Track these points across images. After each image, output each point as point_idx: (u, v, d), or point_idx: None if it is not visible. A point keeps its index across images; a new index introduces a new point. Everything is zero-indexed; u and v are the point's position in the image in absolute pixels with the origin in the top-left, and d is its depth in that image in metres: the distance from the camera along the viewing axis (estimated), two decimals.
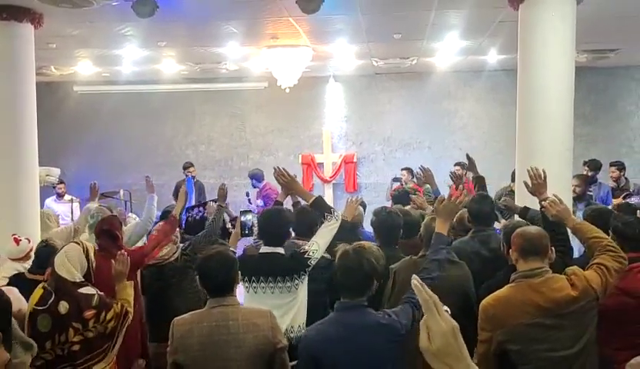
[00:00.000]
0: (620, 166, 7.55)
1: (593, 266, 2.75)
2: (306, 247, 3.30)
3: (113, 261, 3.30)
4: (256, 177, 8.33)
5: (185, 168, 9.03)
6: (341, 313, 2.46)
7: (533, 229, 2.82)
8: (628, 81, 9.87)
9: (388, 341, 2.41)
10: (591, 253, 2.90)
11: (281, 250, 3.35)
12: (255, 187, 8.35)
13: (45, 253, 3.82)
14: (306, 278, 3.29)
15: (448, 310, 1.20)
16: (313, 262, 3.27)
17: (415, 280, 1.19)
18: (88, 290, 3.05)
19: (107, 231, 3.95)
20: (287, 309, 3.18)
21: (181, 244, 4.36)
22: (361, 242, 2.61)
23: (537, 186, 3.40)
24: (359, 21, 6.55)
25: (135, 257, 4.01)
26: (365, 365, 2.39)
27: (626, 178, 7.64)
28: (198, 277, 2.69)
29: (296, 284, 3.23)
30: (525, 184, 3.53)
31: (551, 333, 2.60)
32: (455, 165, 8.79)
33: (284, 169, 3.73)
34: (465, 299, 3.35)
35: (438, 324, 1.16)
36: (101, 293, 3.11)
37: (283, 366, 2.62)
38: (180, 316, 2.70)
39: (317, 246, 3.30)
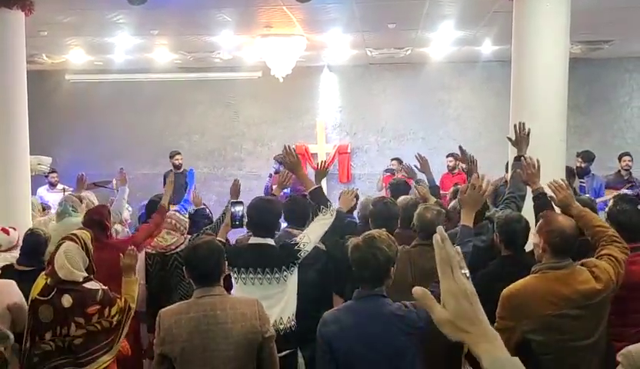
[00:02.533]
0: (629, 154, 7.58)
1: (604, 257, 2.74)
2: (297, 239, 3.29)
3: (121, 255, 3.31)
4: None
5: (171, 156, 8.92)
6: (357, 301, 2.47)
7: (568, 225, 2.71)
8: (622, 73, 9.87)
9: (402, 333, 2.41)
10: (594, 242, 2.89)
11: (270, 241, 3.33)
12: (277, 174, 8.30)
13: (31, 242, 3.79)
14: (296, 270, 3.27)
15: (468, 273, 1.09)
16: (303, 254, 3.25)
17: (438, 234, 1.09)
18: (92, 285, 3.02)
19: (97, 222, 3.94)
20: (276, 300, 3.17)
21: (189, 236, 4.33)
22: (370, 232, 2.61)
23: (530, 175, 3.43)
24: (353, 9, 6.51)
25: (125, 247, 4.00)
26: (379, 355, 2.40)
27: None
28: (184, 267, 2.66)
29: (285, 276, 3.21)
30: (519, 173, 3.57)
31: (575, 323, 2.62)
32: (448, 156, 8.83)
33: (293, 149, 3.61)
34: None
35: (450, 285, 1.07)
36: (105, 287, 3.09)
37: (271, 355, 2.62)
38: (167, 307, 2.68)
39: (308, 239, 3.28)
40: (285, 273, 3.21)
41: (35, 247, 3.80)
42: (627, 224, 3.08)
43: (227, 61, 9.46)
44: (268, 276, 3.19)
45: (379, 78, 10.19)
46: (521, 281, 2.73)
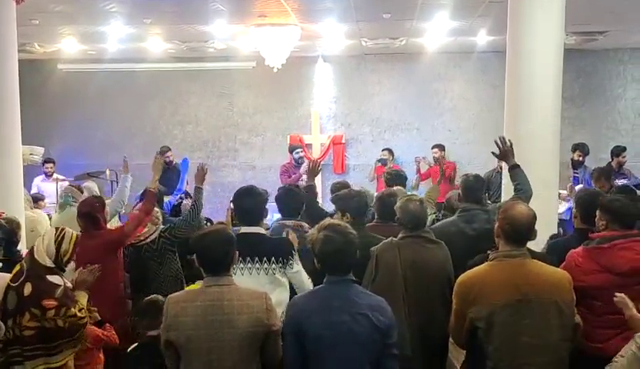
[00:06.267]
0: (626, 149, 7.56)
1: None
2: (295, 256, 3.29)
3: (81, 268, 3.30)
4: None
5: (162, 153, 8.85)
6: (329, 286, 2.51)
7: (523, 215, 2.74)
8: (617, 64, 9.87)
9: (370, 321, 2.43)
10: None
11: (261, 230, 3.33)
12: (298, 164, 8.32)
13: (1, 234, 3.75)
14: (290, 267, 3.26)
15: None
16: (293, 266, 3.26)
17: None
18: (56, 279, 3.00)
19: (86, 214, 3.93)
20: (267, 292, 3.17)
21: (162, 226, 4.32)
22: (332, 221, 2.62)
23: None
24: None
25: (115, 237, 4.00)
26: (347, 341, 2.42)
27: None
28: (195, 254, 2.65)
29: (273, 269, 3.21)
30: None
31: (519, 317, 2.61)
32: (433, 148, 8.93)
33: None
34: (446, 278, 3.38)
35: None
36: (69, 285, 3.07)
37: (276, 349, 2.61)
38: (174, 293, 2.71)
39: (299, 268, 3.28)
40: (274, 266, 3.21)
41: (6, 238, 3.77)
42: (618, 210, 3.08)
43: (221, 51, 9.41)
44: (258, 265, 3.20)
45: (374, 68, 10.16)
46: (475, 269, 2.80)
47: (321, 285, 2.55)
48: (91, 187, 5.71)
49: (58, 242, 3.04)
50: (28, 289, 2.91)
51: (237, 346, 2.51)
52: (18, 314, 2.89)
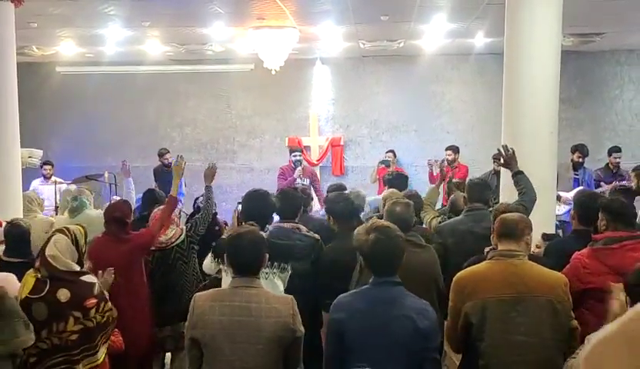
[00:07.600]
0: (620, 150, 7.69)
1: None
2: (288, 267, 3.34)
3: (100, 272, 3.36)
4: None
5: (160, 155, 8.87)
6: (374, 287, 2.48)
7: (512, 215, 2.91)
8: (613, 66, 9.90)
9: (415, 324, 2.41)
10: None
11: (262, 234, 3.34)
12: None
13: (15, 234, 3.76)
14: (287, 271, 3.28)
15: None
16: (287, 271, 3.28)
17: None
18: (88, 278, 3.03)
19: (118, 219, 3.90)
20: None
21: (184, 227, 4.40)
22: (381, 222, 2.60)
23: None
24: (346, 1, 6.49)
25: (145, 241, 4.00)
26: (387, 341, 2.40)
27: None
28: (226, 254, 2.65)
29: (274, 273, 3.23)
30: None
31: (512, 315, 2.63)
32: (447, 149, 8.78)
33: None
34: (433, 282, 3.38)
35: None
36: (99, 281, 3.13)
37: (296, 355, 2.60)
38: (201, 292, 2.72)
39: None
40: (275, 270, 3.23)
41: (19, 238, 3.77)
42: (618, 210, 3.11)
43: (219, 54, 9.41)
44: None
45: (372, 70, 10.17)
46: (473, 266, 2.85)
47: (366, 285, 2.53)
48: (72, 190, 5.65)
49: (75, 242, 3.04)
50: (65, 295, 2.89)
51: (261, 349, 2.49)
52: (55, 322, 2.88)
